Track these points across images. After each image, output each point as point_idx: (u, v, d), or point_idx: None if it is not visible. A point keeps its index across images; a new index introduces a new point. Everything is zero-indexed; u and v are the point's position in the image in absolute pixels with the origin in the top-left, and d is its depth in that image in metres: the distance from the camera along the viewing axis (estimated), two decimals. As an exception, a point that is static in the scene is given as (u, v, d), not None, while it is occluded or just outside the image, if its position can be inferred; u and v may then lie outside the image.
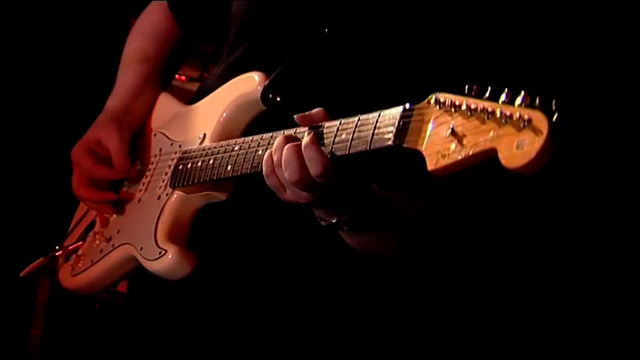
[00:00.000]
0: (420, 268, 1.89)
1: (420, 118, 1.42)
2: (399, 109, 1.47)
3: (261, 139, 1.75)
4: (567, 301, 2.52)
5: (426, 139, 1.40)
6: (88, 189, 2.07)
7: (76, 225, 2.18)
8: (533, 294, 2.51)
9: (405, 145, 1.43)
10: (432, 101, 1.42)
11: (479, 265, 2.35)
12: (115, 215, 2.07)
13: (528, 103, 1.28)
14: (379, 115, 1.50)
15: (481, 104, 1.32)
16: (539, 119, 1.24)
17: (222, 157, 1.82)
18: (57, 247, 2.15)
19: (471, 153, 1.31)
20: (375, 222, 1.66)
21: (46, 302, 2.26)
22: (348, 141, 1.53)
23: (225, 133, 1.90)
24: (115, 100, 2.17)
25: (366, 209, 1.62)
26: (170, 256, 1.85)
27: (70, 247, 2.14)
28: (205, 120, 1.97)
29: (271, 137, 1.70)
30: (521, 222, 2.30)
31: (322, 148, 1.55)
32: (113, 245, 2.02)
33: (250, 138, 1.78)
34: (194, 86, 2.24)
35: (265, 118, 1.86)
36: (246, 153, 1.76)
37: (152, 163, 2.06)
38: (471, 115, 1.33)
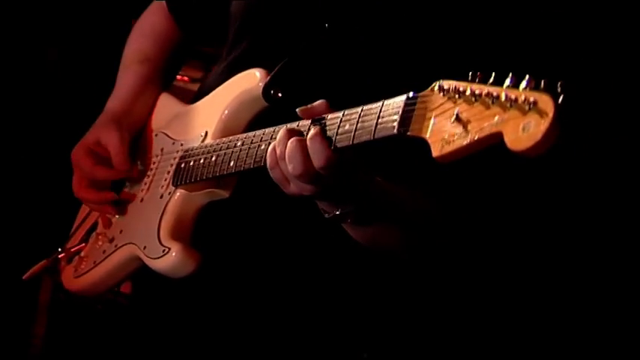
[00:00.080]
0: (422, 263, 1.88)
1: (424, 105, 1.42)
2: (403, 97, 1.46)
3: (263, 133, 1.74)
4: (567, 299, 2.51)
5: (430, 127, 1.39)
6: (89, 190, 2.07)
7: (78, 227, 2.18)
8: (535, 289, 2.50)
9: (409, 134, 1.43)
10: (436, 88, 1.41)
11: (480, 261, 2.34)
12: (117, 216, 2.06)
13: (533, 87, 1.27)
14: (382, 105, 1.50)
15: (485, 89, 1.32)
16: (545, 101, 1.23)
17: (225, 153, 1.81)
18: (59, 250, 2.14)
19: (476, 138, 1.30)
20: (378, 214, 1.65)
21: (49, 302, 2.25)
22: (351, 132, 1.52)
23: (227, 130, 1.89)
24: (114, 102, 2.16)
25: (370, 201, 1.62)
26: (174, 254, 1.84)
27: (72, 249, 2.13)
28: (207, 118, 1.96)
29: (274, 131, 1.69)
30: (523, 218, 2.29)
31: (325, 141, 1.54)
32: (116, 245, 2.01)
33: (253, 133, 1.77)
34: (196, 87, 2.24)
35: (267, 114, 1.86)
36: (249, 148, 1.75)
37: (154, 163, 2.06)
38: (476, 100, 1.33)
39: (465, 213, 1.76)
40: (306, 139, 1.55)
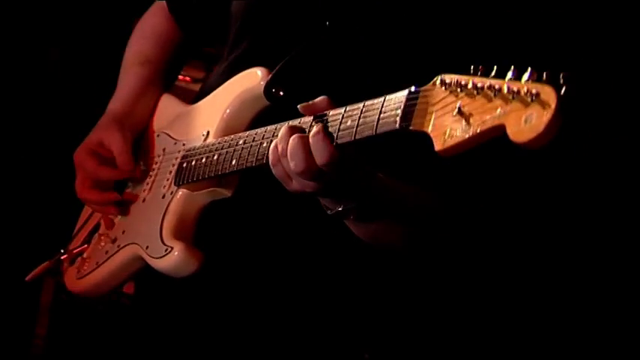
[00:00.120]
0: (425, 260, 1.88)
1: (426, 100, 1.42)
2: (405, 92, 1.46)
3: (265, 131, 1.74)
4: (567, 297, 2.50)
5: (432, 121, 1.39)
6: (92, 191, 2.06)
7: (80, 228, 2.17)
8: (537, 288, 2.49)
9: (411, 128, 1.42)
10: (438, 82, 1.41)
11: (482, 258, 2.33)
12: (119, 217, 2.06)
13: (535, 79, 1.27)
14: (384, 100, 1.49)
15: (487, 82, 1.31)
16: (547, 92, 1.22)
17: (227, 152, 1.81)
18: (62, 251, 2.14)
19: (478, 131, 1.30)
20: (380, 210, 1.65)
21: (51, 302, 2.25)
22: (353, 127, 1.52)
23: (229, 129, 1.89)
24: (116, 103, 2.16)
25: (372, 197, 1.61)
26: (176, 253, 1.83)
27: (75, 251, 2.12)
28: (209, 117, 1.96)
29: (276, 129, 1.69)
30: (525, 213, 2.29)
31: (328, 138, 1.54)
32: (119, 246, 2.00)
33: (254, 131, 1.77)
34: (198, 87, 2.23)
35: (269, 113, 1.85)
36: (251, 146, 1.75)
37: (156, 163, 2.06)
38: (478, 93, 1.33)
39: (467, 209, 1.75)
40: (308, 136, 1.55)
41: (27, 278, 2.12)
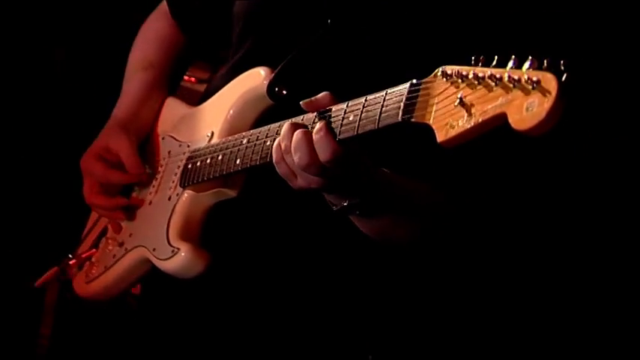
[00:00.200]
0: (430, 257, 1.87)
1: (427, 92, 1.42)
2: (406, 85, 1.46)
3: (268, 130, 1.74)
4: (566, 296, 2.49)
5: (434, 112, 1.39)
6: (100, 196, 2.07)
7: (88, 233, 2.18)
8: (539, 287, 2.48)
9: (413, 120, 1.42)
10: (439, 74, 1.41)
11: (487, 255, 2.32)
12: (126, 220, 2.06)
13: (536, 67, 1.26)
14: (386, 94, 1.49)
15: (488, 71, 1.31)
16: (548, 79, 1.22)
17: (231, 151, 1.81)
18: (70, 256, 2.14)
19: (480, 120, 1.29)
20: (385, 205, 1.64)
21: (56, 302, 2.25)
22: (356, 122, 1.52)
23: (233, 130, 1.89)
24: (121, 109, 2.17)
25: (376, 192, 1.61)
26: (183, 254, 1.84)
27: (83, 256, 2.13)
28: (213, 119, 1.96)
29: (279, 127, 1.69)
30: (528, 208, 2.28)
31: (331, 134, 1.53)
32: (126, 249, 2.01)
33: (258, 130, 1.77)
34: (203, 87, 2.24)
35: (273, 113, 1.85)
36: (255, 145, 1.75)
37: (161, 166, 2.06)
38: (479, 83, 1.32)
39: (471, 202, 1.74)
40: (311, 132, 1.55)
41: (36, 284, 2.13)
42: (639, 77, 2.22)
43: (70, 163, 2.14)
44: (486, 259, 2.32)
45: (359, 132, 1.51)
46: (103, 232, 2.13)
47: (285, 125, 1.60)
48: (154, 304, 2.03)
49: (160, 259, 1.87)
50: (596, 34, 2.18)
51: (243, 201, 1.88)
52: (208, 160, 1.87)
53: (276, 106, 1.84)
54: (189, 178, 1.92)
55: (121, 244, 2.03)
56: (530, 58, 1.28)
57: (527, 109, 1.23)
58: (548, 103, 1.21)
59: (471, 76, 1.33)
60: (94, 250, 2.12)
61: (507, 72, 1.28)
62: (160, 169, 2.06)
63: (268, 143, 1.70)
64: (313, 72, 1.82)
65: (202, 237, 1.89)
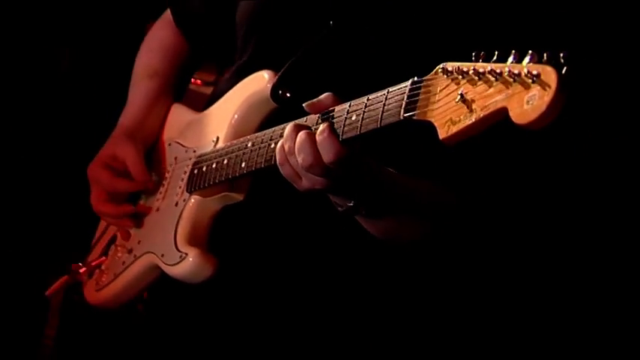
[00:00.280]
0: (438, 254, 1.86)
1: (428, 89, 1.42)
2: (407, 83, 1.46)
3: (273, 132, 1.74)
4: (568, 294, 2.47)
5: (435, 110, 1.39)
6: (108, 204, 2.08)
7: (97, 240, 2.19)
8: (539, 282, 2.47)
9: (415, 118, 1.42)
10: (440, 71, 1.41)
11: (488, 253, 2.31)
12: (135, 227, 2.07)
13: (536, 60, 1.26)
14: (387, 92, 1.50)
15: (489, 66, 1.31)
16: (548, 72, 1.22)
17: (236, 155, 1.82)
18: (80, 264, 2.15)
19: (481, 115, 1.29)
20: (391, 205, 1.64)
21: (61, 303, 2.26)
22: (358, 122, 1.52)
23: (238, 134, 1.89)
24: (127, 117, 2.18)
25: (381, 192, 1.61)
26: (191, 259, 1.84)
27: (93, 263, 2.13)
28: (218, 123, 1.97)
29: (283, 129, 1.69)
30: (531, 205, 2.27)
31: (334, 135, 1.53)
32: (135, 256, 2.01)
33: (262, 133, 1.78)
34: (209, 90, 2.24)
35: (277, 116, 1.85)
36: (259, 148, 1.75)
37: (168, 172, 2.07)
38: (480, 79, 1.32)
39: (475, 201, 1.74)
40: (314, 133, 1.55)
41: (47, 293, 2.13)
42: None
43: (78, 168, 2.15)
44: (489, 258, 2.31)
45: (362, 132, 1.51)
46: (112, 240, 2.14)
47: (288, 127, 1.60)
48: (161, 307, 2.03)
49: (168, 265, 1.88)
50: (597, 29, 2.17)
51: (250, 205, 1.88)
52: (214, 165, 1.88)
53: (281, 109, 1.84)
54: (195, 183, 1.92)
55: (129, 251, 2.04)
56: (530, 52, 1.27)
57: (527, 102, 1.23)
58: (548, 96, 1.20)
59: (471, 72, 1.33)
60: (103, 257, 2.13)
61: (507, 67, 1.28)
62: (166, 175, 2.07)
63: (272, 146, 1.70)
64: (317, 74, 1.82)
65: (210, 241, 1.89)
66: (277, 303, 1.86)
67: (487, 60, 1.34)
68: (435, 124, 1.37)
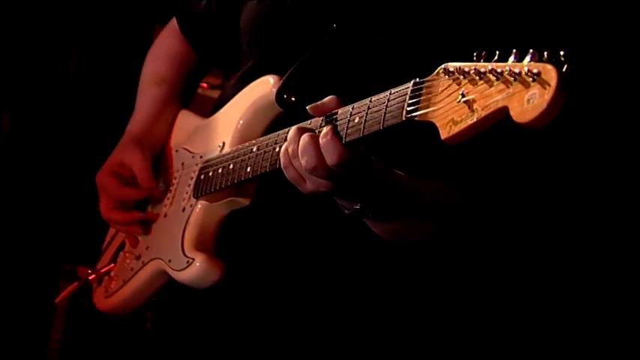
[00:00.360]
0: (446, 255, 1.86)
1: (430, 90, 1.42)
2: (409, 84, 1.46)
3: (277, 136, 1.75)
4: (569, 294, 2.46)
5: (437, 110, 1.39)
6: (116, 212, 2.09)
7: (106, 247, 2.20)
8: (541, 282, 2.46)
9: (417, 119, 1.42)
10: (441, 72, 1.41)
11: (493, 255, 2.30)
12: (143, 234, 2.07)
13: (537, 59, 1.25)
14: (390, 94, 1.50)
15: (490, 66, 1.31)
16: (548, 71, 1.22)
17: (242, 159, 1.82)
18: (89, 272, 2.16)
19: (482, 115, 1.29)
20: (396, 206, 1.64)
21: (67, 306, 2.27)
22: (361, 124, 1.52)
23: (244, 139, 1.90)
24: (134, 124, 2.19)
25: (387, 194, 1.61)
26: (198, 264, 1.84)
27: (102, 270, 2.14)
28: (224, 129, 1.97)
29: (287, 133, 1.69)
30: (528, 206, 2.26)
31: (338, 138, 1.53)
32: (143, 262, 2.02)
33: (267, 137, 1.78)
34: (215, 93, 2.25)
35: (283, 121, 1.85)
36: (264, 152, 1.76)
37: (175, 178, 2.07)
38: (481, 79, 1.32)
39: (478, 201, 1.73)
40: (317, 136, 1.55)
41: (56, 300, 2.14)
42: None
43: (87, 173, 2.16)
44: (495, 258, 2.30)
45: (364, 134, 1.51)
46: (121, 247, 2.15)
47: (292, 130, 1.60)
48: (170, 313, 2.03)
49: (176, 270, 1.88)
50: (598, 28, 2.16)
51: (257, 209, 1.88)
52: (220, 170, 1.88)
53: (287, 114, 1.84)
54: (202, 188, 1.93)
55: (138, 258, 2.04)
56: (530, 51, 1.27)
57: (528, 101, 1.23)
58: (548, 94, 1.20)
59: (472, 72, 1.33)
60: (112, 264, 2.14)
61: (508, 66, 1.28)
62: (174, 181, 2.07)
63: (277, 150, 1.71)
64: (321, 77, 1.82)
65: (217, 246, 1.90)
66: (285, 306, 1.86)
67: (488, 60, 1.34)
68: (437, 125, 1.37)
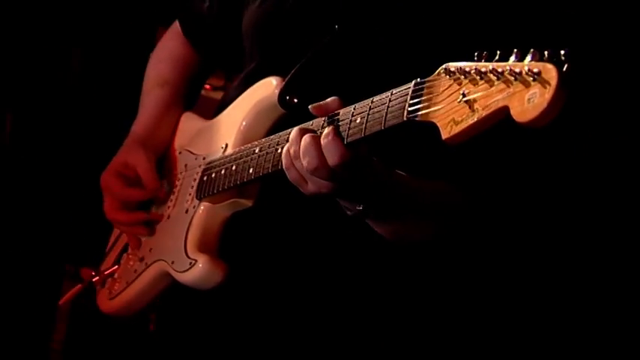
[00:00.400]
0: (449, 253, 1.86)
1: (431, 90, 1.42)
2: (410, 84, 1.46)
3: (279, 137, 1.75)
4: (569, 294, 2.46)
5: (438, 110, 1.39)
6: (121, 212, 2.09)
7: (110, 249, 2.20)
8: (540, 282, 2.45)
9: (418, 119, 1.42)
10: (442, 72, 1.41)
11: (494, 254, 2.30)
12: (146, 235, 2.08)
13: (538, 59, 1.25)
14: (391, 94, 1.50)
15: (490, 66, 1.31)
16: (548, 70, 1.22)
17: (244, 161, 1.82)
18: (93, 274, 2.16)
19: (483, 115, 1.29)
20: (398, 206, 1.64)
21: (69, 307, 2.27)
22: (362, 124, 1.53)
23: (247, 140, 1.90)
24: (138, 126, 2.20)
25: (388, 193, 1.61)
26: (200, 265, 1.84)
27: (106, 272, 2.14)
28: (227, 130, 1.98)
29: (289, 134, 1.69)
30: (529, 205, 2.26)
31: (339, 138, 1.53)
32: (146, 264, 2.02)
33: (269, 138, 1.79)
34: (218, 95, 2.25)
35: (285, 122, 1.85)
36: (266, 153, 1.76)
37: (179, 180, 2.08)
38: (481, 79, 1.32)
39: (479, 201, 1.73)
40: (319, 137, 1.55)
41: (60, 302, 2.14)
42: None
43: (91, 174, 2.16)
44: (497, 257, 2.30)
45: (366, 134, 1.51)
46: (125, 248, 2.15)
47: (294, 131, 1.61)
48: (173, 314, 2.03)
49: (179, 272, 1.88)
50: (599, 28, 2.16)
51: (260, 211, 1.88)
52: (223, 171, 1.88)
53: (289, 115, 1.85)
54: (205, 190, 1.93)
55: (141, 260, 2.05)
56: (531, 50, 1.27)
57: (528, 100, 1.23)
58: (548, 93, 1.20)
59: (473, 72, 1.33)
60: (116, 266, 2.14)
61: (509, 65, 1.28)
62: (177, 182, 2.08)
63: (279, 151, 1.71)
64: (323, 78, 1.82)
65: (220, 248, 1.90)
66: (288, 308, 1.86)
67: (489, 59, 1.34)
68: (438, 125, 1.37)
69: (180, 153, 2.12)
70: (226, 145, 1.94)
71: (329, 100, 1.61)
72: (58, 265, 2.11)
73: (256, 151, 1.80)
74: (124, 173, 2.10)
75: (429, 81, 1.43)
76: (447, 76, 1.39)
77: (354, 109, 1.56)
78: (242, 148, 1.86)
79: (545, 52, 1.24)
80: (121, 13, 3.14)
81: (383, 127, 1.48)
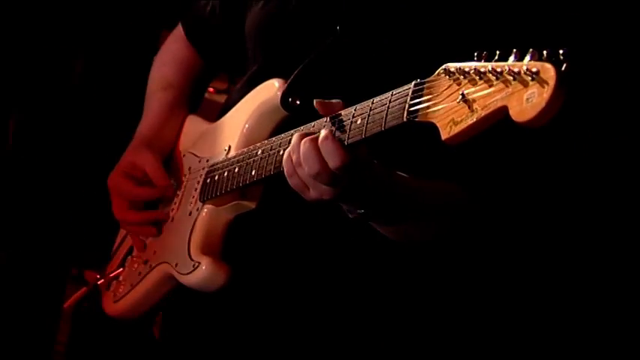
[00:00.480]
0: (452, 252, 1.86)
1: (431, 90, 1.42)
2: (410, 85, 1.46)
3: (281, 139, 1.75)
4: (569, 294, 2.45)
5: (437, 111, 1.39)
6: (130, 212, 2.10)
7: (115, 251, 2.20)
8: (540, 282, 2.45)
9: (417, 120, 1.42)
10: (442, 72, 1.41)
11: (494, 255, 2.30)
12: (156, 235, 2.08)
13: (536, 58, 1.25)
14: (391, 95, 1.50)
15: (489, 66, 1.31)
16: (546, 69, 1.22)
17: (247, 163, 1.83)
18: (98, 276, 2.17)
19: (482, 115, 1.29)
20: (399, 206, 1.63)
21: (73, 309, 2.28)
22: (363, 125, 1.52)
23: (250, 142, 1.90)
24: (144, 127, 2.20)
25: (389, 194, 1.60)
26: (204, 267, 1.85)
27: (111, 275, 2.15)
28: (230, 133, 1.98)
29: (291, 136, 1.69)
30: (529, 205, 2.25)
31: (338, 141, 1.53)
32: (150, 266, 2.03)
33: (271, 140, 1.79)
34: (222, 98, 2.26)
35: (288, 124, 1.86)
36: (269, 155, 1.76)
37: (183, 182, 2.08)
38: (480, 79, 1.32)
39: (479, 201, 1.73)
40: (319, 141, 1.54)
41: (65, 305, 2.15)
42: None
43: (96, 176, 2.17)
44: (495, 258, 2.30)
45: (366, 135, 1.51)
46: (130, 251, 2.15)
47: (295, 137, 1.60)
48: (178, 317, 2.04)
49: (182, 274, 1.89)
50: (598, 27, 2.16)
51: (263, 213, 1.88)
52: (225, 174, 1.89)
53: (292, 117, 1.85)
54: (208, 192, 1.93)
55: (145, 262, 2.05)
56: (530, 50, 1.27)
57: (527, 100, 1.23)
58: (547, 93, 1.20)
59: (472, 72, 1.33)
60: (121, 269, 2.15)
61: (507, 65, 1.28)
62: (181, 185, 2.08)
63: (282, 152, 1.71)
64: (326, 80, 1.82)
65: (224, 250, 1.90)
66: (291, 310, 1.86)
67: (489, 60, 1.34)
68: (438, 125, 1.37)
69: (184, 156, 2.13)
70: (229, 148, 1.95)
71: (334, 101, 1.61)
72: (62, 267, 2.11)
73: (259, 153, 1.80)
74: (132, 174, 2.11)
75: (429, 81, 1.43)
76: (447, 77, 1.39)
77: (355, 110, 1.56)
78: (245, 150, 1.87)
79: (544, 52, 1.24)
80: (125, 16, 3.15)
81: (383, 128, 1.48)
